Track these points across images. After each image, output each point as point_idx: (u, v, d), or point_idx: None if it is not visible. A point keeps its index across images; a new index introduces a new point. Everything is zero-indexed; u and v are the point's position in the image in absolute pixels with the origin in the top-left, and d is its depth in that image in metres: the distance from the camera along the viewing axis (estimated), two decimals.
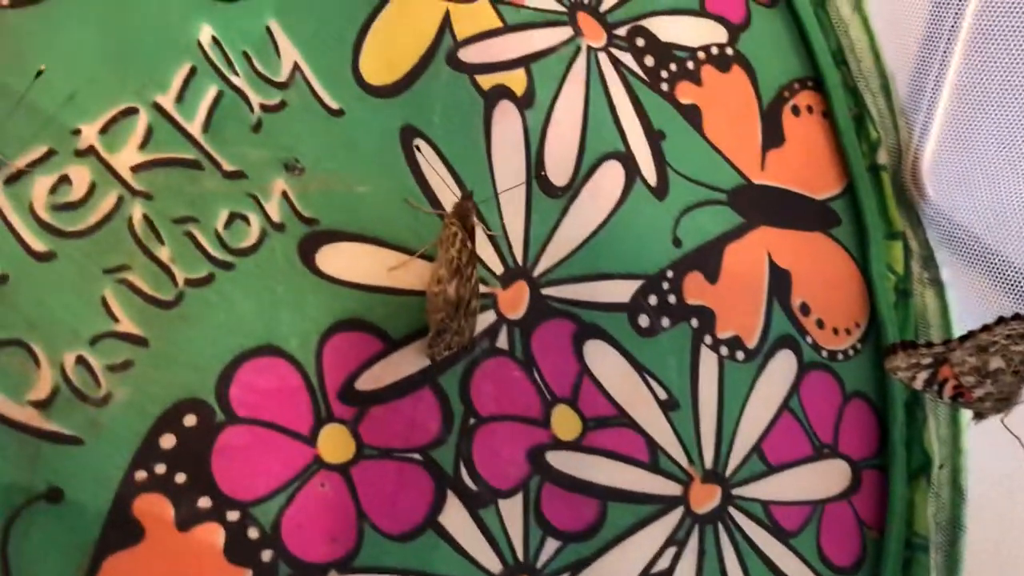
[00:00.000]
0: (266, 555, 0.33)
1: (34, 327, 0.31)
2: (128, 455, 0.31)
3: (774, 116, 0.48)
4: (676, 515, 0.41)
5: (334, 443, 0.34)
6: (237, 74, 0.36)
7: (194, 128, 0.35)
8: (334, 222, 0.36)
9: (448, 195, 0.38)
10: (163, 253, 0.33)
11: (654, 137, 0.44)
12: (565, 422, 0.39)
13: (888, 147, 0.49)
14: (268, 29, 0.37)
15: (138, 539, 0.31)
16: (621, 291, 0.41)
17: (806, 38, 0.50)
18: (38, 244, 0.32)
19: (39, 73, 0.32)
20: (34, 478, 0.30)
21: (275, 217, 0.35)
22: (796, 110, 0.49)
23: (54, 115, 0.33)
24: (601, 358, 0.40)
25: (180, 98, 0.35)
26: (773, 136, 0.48)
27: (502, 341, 0.38)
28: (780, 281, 0.46)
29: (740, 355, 0.44)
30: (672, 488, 0.41)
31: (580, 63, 0.43)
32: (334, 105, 0.37)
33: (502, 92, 0.41)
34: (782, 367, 0.45)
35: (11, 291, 0.31)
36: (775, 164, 0.47)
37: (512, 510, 0.37)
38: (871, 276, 0.48)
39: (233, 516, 0.32)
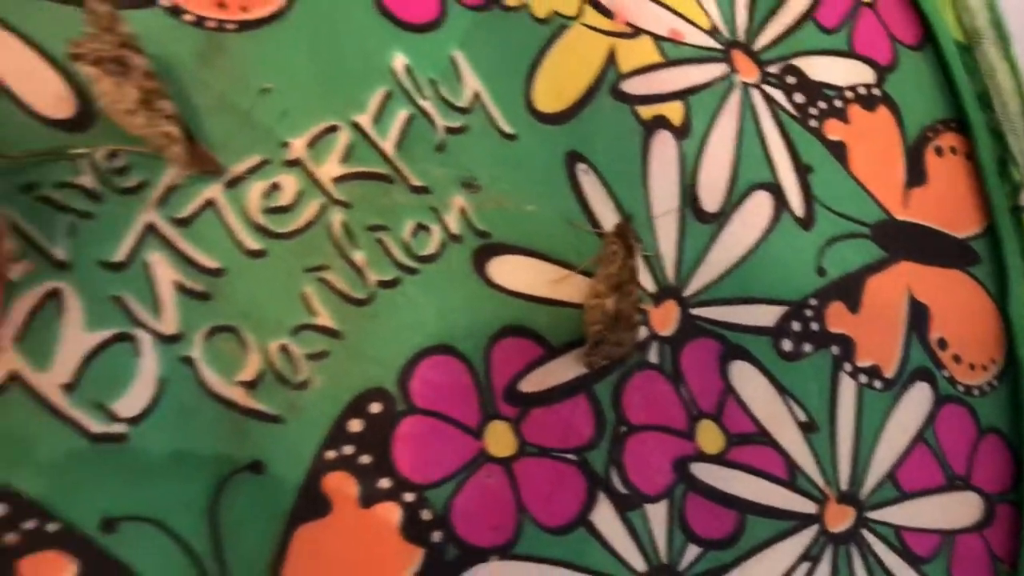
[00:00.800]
0: (436, 536, 0.36)
1: (245, 316, 0.35)
2: (321, 436, 0.35)
3: (918, 155, 0.50)
4: (811, 532, 0.42)
5: (499, 439, 0.37)
6: (426, 99, 0.39)
7: (387, 146, 0.38)
8: (504, 236, 0.39)
9: (607, 216, 0.41)
10: (357, 257, 0.37)
11: (802, 170, 0.46)
12: (709, 436, 0.41)
13: None
14: (453, 59, 0.40)
15: (326, 512, 0.34)
16: (766, 315, 0.43)
17: (951, 81, 0.51)
18: (251, 243, 0.36)
19: (265, 91, 0.36)
20: (240, 451, 0.34)
21: (454, 229, 0.39)
22: (939, 150, 0.51)
23: (269, 129, 0.37)
24: (745, 378, 0.42)
25: (377, 119, 0.38)
26: (916, 175, 0.49)
27: (652, 356, 0.41)
28: (919, 315, 0.47)
29: (878, 384, 0.45)
30: (808, 506, 0.42)
31: (734, 98, 0.46)
32: (509, 130, 0.41)
33: (660, 122, 0.43)
34: (918, 398, 0.46)
35: (227, 283, 0.35)
36: (917, 202, 0.49)
37: (658, 515, 0.39)
38: (1009, 315, 0.49)
39: (409, 497, 0.35)
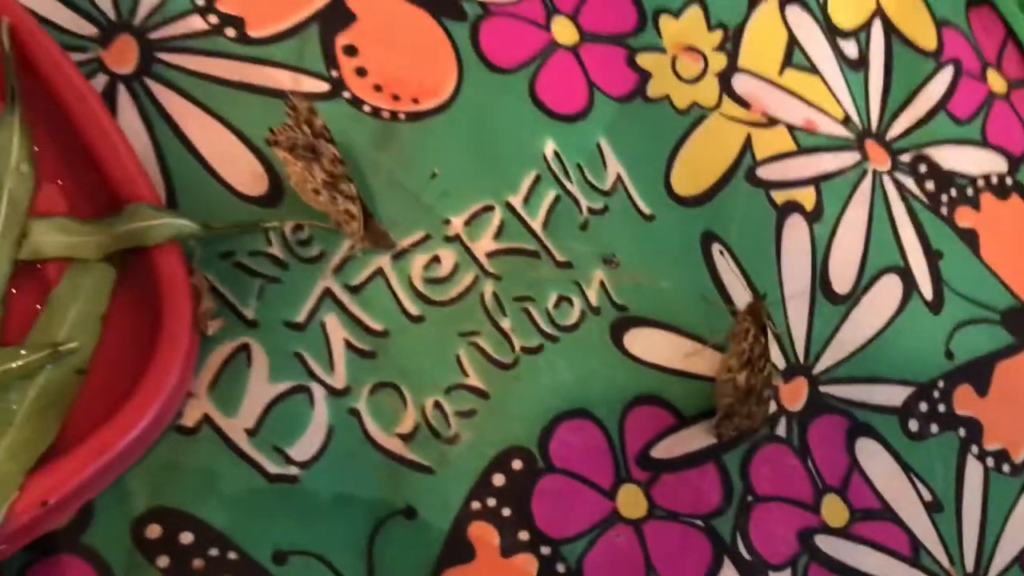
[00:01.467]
0: None
1: (405, 374, 0.39)
2: (467, 487, 0.38)
3: None
4: None
5: (630, 500, 0.40)
6: (572, 182, 0.43)
7: (536, 224, 0.42)
8: (641, 310, 0.42)
9: (740, 294, 0.44)
10: (505, 324, 0.40)
11: (932, 256, 0.47)
12: (834, 510, 0.42)
13: None
14: (598, 146, 0.44)
15: (470, 559, 0.37)
16: (894, 395, 0.45)
17: None
18: (413, 308, 0.39)
19: (433, 175, 0.40)
20: (395, 497, 0.37)
21: (593, 302, 0.42)
22: None
23: (431, 208, 0.41)
24: (871, 455, 0.44)
25: (527, 199, 0.42)
26: None
27: (781, 429, 0.43)
28: None
29: (1006, 468, 0.46)
30: None
31: (866, 184, 0.48)
32: (647, 211, 0.44)
33: (793, 206, 0.46)
34: None
35: (391, 344, 0.39)
36: None
37: None
38: None
39: (546, 550, 0.38)
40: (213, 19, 0.40)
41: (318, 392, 0.37)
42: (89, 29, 0.38)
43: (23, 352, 0.33)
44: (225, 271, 0.37)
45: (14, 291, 0.34)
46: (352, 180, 0.37)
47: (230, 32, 0.40)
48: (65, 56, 0.35)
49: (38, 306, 0.35)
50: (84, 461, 0.31)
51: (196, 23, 0.40)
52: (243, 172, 0.39)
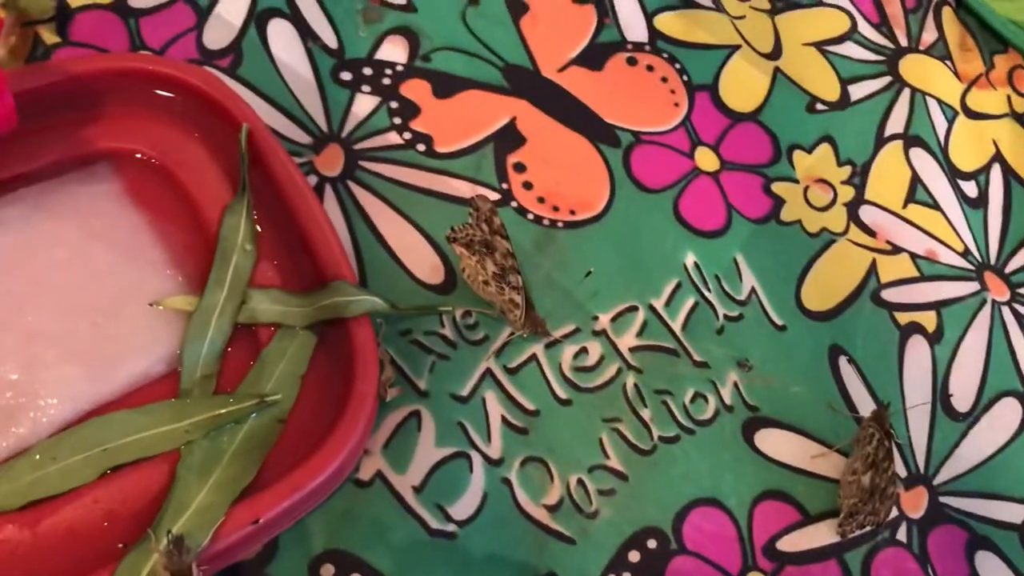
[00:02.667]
0: None
1: (552, 451, 0.43)
2: (605, 560, 0.41)
3: None
4: None
5: None
6: (710, 291, 0.47)
7: (676, 326, 0.46)
8: (771, 411, 0.46)
9: (864, 404, 0.47)
10: (645, 414, 0.44)
11: None
12: None
13: None
14: (735, 260, 0.49)
15: None
16: (1013, 512, 0.46)
17: None
18: (562, 393, 0.44)
19: (588, 273, 0.45)
20: (540, 562, 0.41)
21: (727, 400, 0.46)
22: None
23: (582, 304, 0.46)
24: (992, 569, 0.45)
25: (668, 303, 0.47)
26: None
27: (901, 535, 0.45)
28: None
29: None
30: None
31: (985, 312, 0.51)
32: (779, 322, 0.48)
33: (915, 328, 0.49)
34: None
35: (541, 422, 0.43)
36: None
37: None
38: None
39: None
40: (407, 135, 0.47)
41: (476, 459, 0.42)
42: (305, 138, 0.46)
43: (232, 400, 0.39)
44: (404, 347, 0.43)
45: (230, 349, 0.40)
46: (520, 272, 0.43)
47: (420, 147, 0.47)
48: (288, 157, 0.42)
49: (250, 363, 0.40)
50: (280, 496, 0.36)
51: (393, 138, 0.47)
52: (424, 263, 0.45)
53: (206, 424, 0.38)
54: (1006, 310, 0.51)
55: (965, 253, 0.52)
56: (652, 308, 0.46)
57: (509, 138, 0.48)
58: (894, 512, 0.45)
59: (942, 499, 0.46)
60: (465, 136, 0.48)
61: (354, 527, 0.39)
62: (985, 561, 0.45)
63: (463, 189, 0.46)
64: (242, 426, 0.39)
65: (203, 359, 0.40)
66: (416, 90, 0.48)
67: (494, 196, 0.47)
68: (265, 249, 0.42)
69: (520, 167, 0.48)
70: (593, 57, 0.51)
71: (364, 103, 0.47)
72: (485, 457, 0.42)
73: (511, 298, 0.42)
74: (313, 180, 0.45)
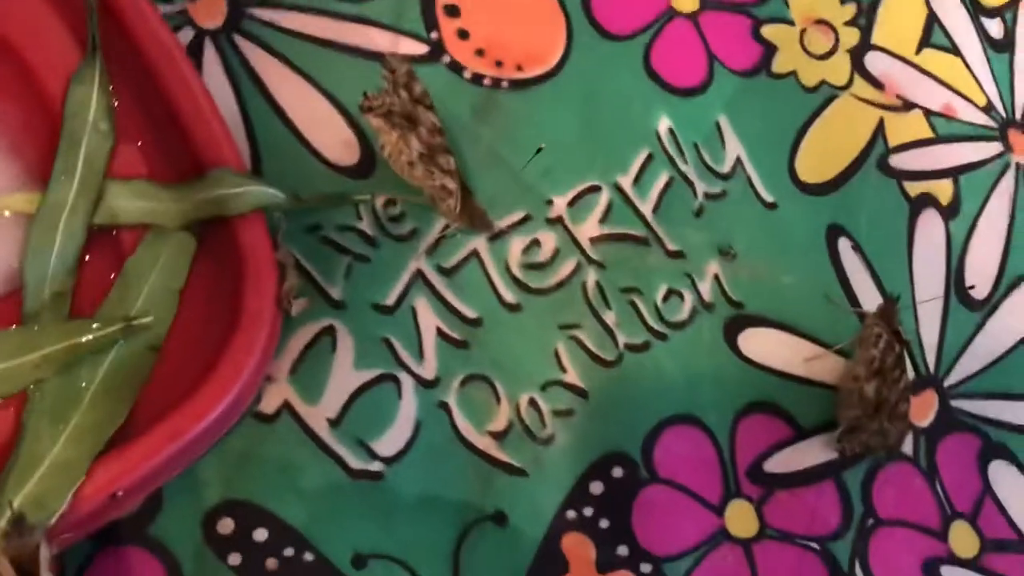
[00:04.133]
0: None
1: (499, 367, 0.35)
2: (562, 494, 0.35)
3: None
4: None
5: (740, 518, 0.36)
6: (687, 163, 0.39)
7: (646, 208, 0.38)
8: (758, 308, 0.38)
9: (867, 295, 0.39)
10: (609, 317, 0.37)
11: None
12: (963, 539, 0.38)
13: None
14: (717, 124, 0.40)
15: (563, 572, 0.34)
16: None
17: None
18: (509, 296, 0.36)
19: (539, 150, 0.36)
20: (485, 500, 0.34)
21: (706, 297, 0.38)
22: None
23: (533, 186, 0.37)
24: (1006, 480, 0.39)
25: (637, 180, 0.38)
26: None
27: (907, 447, 0.39)
28: None
29: None
30: None
31: (1008, 178, 0.43)
32: (769, 199, 0.40)
33: (928, 200, 0.41)
34: None
35: (484, 333, 0.36)
36: None
37: None
38: None
39: (646, 568, 0.35)
40: None
41: (406, 382, 0.34)
42: None
43: (95, 325, 0.31)
44: (311, 246, 0.35)
45: (87, 258, 0.32)
46: (452, 152, 0.34)
47: None
48: (151, 5, 0.32)
49: (112, 276, 0.32)
50: (155, 447, 0.29)
51: None
52: (334, 140, 0.36)
53: (59, 357, 0.30)
54: None
55: (988, 108, 0.44)
56: (618, 187, 0.38)
57: None
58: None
59: (954, 403, 0.39)
60: None
61: (257, 472, 0.32)
62: (1000, 472, 0.39)
63: (382, 41, 0.37)
64: (105, 357, 0.31)
65: (51, 274, 0.31)
66: None
67: (420, 49, 0.37)
68: (126, 129, 0.33)
69: (453, 10, 0.38)
70: None
71: None
72: (417, 378, 0.34)
73: (442, 184, 0.34)
74: (188, 35, 0.35)
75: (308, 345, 0.34)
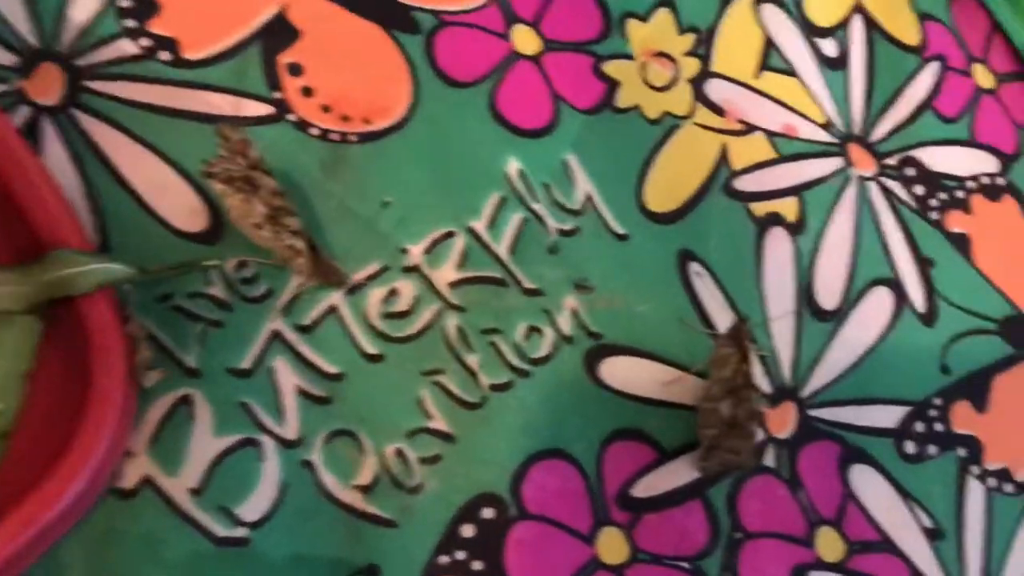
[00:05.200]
0: None
1: (363, 420, 0.36)
2: (434, 540, 0.35)
3: None
4: None
5: (611, 545, 0.37)
6: (538, 202, 0.40)
7: (502, 250, 0.39)
8: (616, 337, 0.40)
9: (721, 316, 0.41)
10: (472, 360, 0.37)
11: (923, 264, 0.45)
12: (829, 544, 0.40)
13: None
14: (566, 162, 0.41)
15: None
16: (888, 416, 0.42)
17: None
18: (370, 347, 0.37)
19: (386, 204, 0.37)
20: (356, 555, 0.34)
21: (566, 331, 0.39)
22: None
23: (387, 236, 0.38)
24: (866, 482, 0.41)
25: (491, 223, 0.39)
26: None
27: (770, 459, 0.40)
28: None
29: (1009, 488, 0.43)
30: None
31: (850, 191, 0.45)
32: (620, 231, 0.41)
33: (774, 219, 0.43)
34: None
35: (346, 387, 0.36)
36: None
37: None
38: None
39: None
40: (145, 42, 0.37)
41: (268, 445, 0.34)
42: (8, 58, 0.35)
43: None
44: (163, 316, 0.35)
45: None
46: (295, 213, 0.34)
47: (164, 56, 0.37)
48: None
49: None
50: (11, 535, 0.28)
51: (127, 47, 0.37)
52: (181, 207, 0.36)
53: None
54: (873, 186, 0.45)
55: (827, 125, 0.46)
56: (472, 231, 0.39)
57: (279, 33, 0.39)
58: (760, 435, 0.39)
59: (812, 413, 0.41)
60: (221, 35, 0.38)
61: (120, 550, 0.32)
62: (859, 474, 0.41)
63: (224, 105, 0.37)
64: None
65: None
66: None
67: (265, 109, 0.37)
68: None
69: (296, 69, 0.38)
70: None
71: (85, 4, 0.37)
72: (278, 440, 0.34)
73: (290, 244, 0.34)
74: (24, 113, 0.35)
75: (166, 416, 0.34)
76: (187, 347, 0.34)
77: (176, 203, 0.36)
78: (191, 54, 0.38)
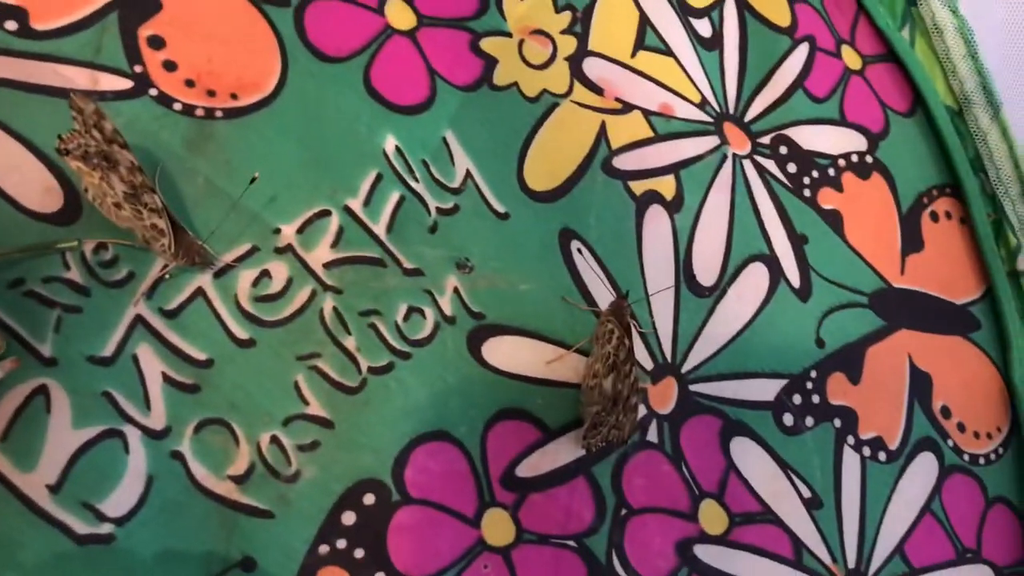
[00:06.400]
0: None
1: (235, 408, 0.34)
2: (313, 530, 0.34)
3: (913, 222, 0.50)
4: None
5: (496, 526, 0.36)
6: (417, 180, 0.39)
7: (379, 229, 0.38)
8: (499, 317, 0.39)
9: (602, 293, 0.41)
10: (349, 343, 0.36)
11: (797, 241, 0.46)
12: (712, 516, 0.40)
13: None
14: (444, 140, 0.40)
15: None
16: (766, 390, 0.43)
17: (944, 146, 0.51)
18: (241, 332, 0.35)
19: (253, 180, 0.36)
20: (230, 547, 0.33)
21: (447, 311, 0.38)
22: (935, 216, 0.50)
23: (258, 215, 0.36)
24: (747, 455, 0.42)
25: (367, 202, 0.38)
26: (912, 241, 0.49)
27: (652, 435, 0.40)
28: (921, 384, 0.46)
29: (882, 456, 0.45)
30: None
31: (726, 170, 0.46)
32: (501, 209, 0.40)
33: (653, 197, 0.43)
34: (923, 469, 0.45)
35: (216, 374, 0.34)
36: (915, 269, 0.48)
37: None
38: (1012, 381, 0.48)
39: None
40: None
41: (133, 436, 0.32)
42: None
43: None
44: (15, 302, 0.32)
45: None
46: (156, 191, 0.33)
47: (11, 25, 0.35)
48: None
49: None
50: None
51: None
52: (33, 187, 0.34)
53: None
54: (748, 164, 0.46)
55: (702, 104, 0.46)
56: (348, 210, 0.37)
57: (138, 3, 0.36)
58: (642, 411, 0.39)
59: (692, 388, 0.41)
60: (74, 5, 0.36)
61: None
62: (740, 447, 0.42)
63: (80, 79, 0.35)
64: None
65: None
66: None
67: (124, 84, 0.35)
68: None
69: (157, 42, 0.36)
70: None
71: None
72: (144, 430, 0.33)
73: (152, 223, 0.32)
74: None
75: (19, 408, 0.32)
76: (42, 335, 0.32)
77: (28, 182, 0.34)
78: (41, 24, 0.35)
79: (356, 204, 0.38)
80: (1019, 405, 0.48)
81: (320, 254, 0.37)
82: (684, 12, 0.48)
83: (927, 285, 0.48)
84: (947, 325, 0.48)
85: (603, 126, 0.43)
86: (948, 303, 0.49)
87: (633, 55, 0.46)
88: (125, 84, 0.36)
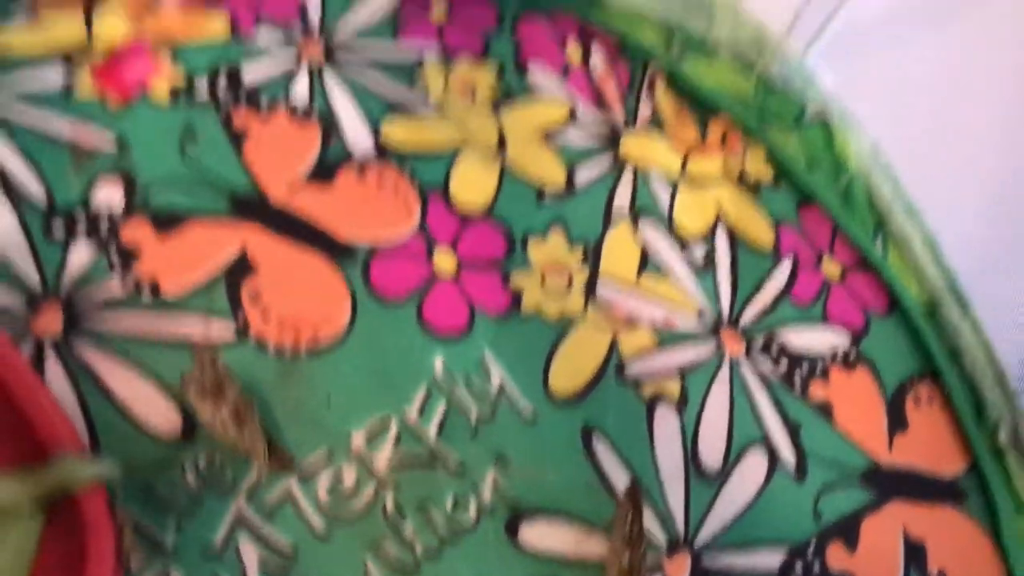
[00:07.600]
0: None
1: None
2: None
3: (898, 406, 0.57)
4: None
5: None
6: (460, 393, 0.48)
7: (430, 434, 0.47)
8: (532, 502, 0.47)
9: (622, 480, 0.48)
10: (407, 531, 0.44)
11: (791, 428, 0.53)
12: None
13: (1007, 430, 0.56)
14: (482, 359, 0.50)
15: None
16: (770, 561, 0.49)
17: (922, 340, 0.59)
18: (320, 527, 0.43)
19: (329, 400, 0.45)
20: None
21: (487, 500, 0.46)
22: (918, 400, 0.58)
23: (332, 428, 0.46)
24: None
25: (421, 412, 0.47)
26: (898, 423, 0.56)
27: None
28: (916, 551, 0.52)
29: None
30: None
31: (724, 371, 0.54)
32: (530, 413, 0.49)
33: (661, 398, 0.52)
34: None
35: (299, 562, 0.43)
36: (902, 447, 0.55)
37: None
38: (1004, 547, 0.54)
39: None
40: (131, 283, 0.46)
41: None
42: (17, 300, 0.44)
43: None
44: (145, 505, 0.41)
45: None
46: (255, 414, 0.42)
47: (146, 294, 0.46)
48: None
49: None
50: None
51: (115, 288, 0.45)
52: (159, 415, 0.43)
53: None
54: (743, 364, 0.54)
55: (700, 315, 0.55)
56: (405, 420, 0.47)
57: (240, 269, 0.47)
58: None
59: (705, 561, 0.48)
60: (193, 275, 0.47)
61: None
62: None
63: (197, 330, 0.45)
64: None
65: None
66: (136, 232, 0.47)
67: (229, 331, 0.46)
68: None
69: (255, 297, 0.47)
70: (321, 174, 0.52)
71: (81, 254, 0.46)
72: None
73: (252, 439, 0.42)
74: (31, 345, 0.43)
75: None
76: (165, 531, 0.41)
77: (156, 411, 0.43)
78: (169, 291, 0.46)
79: (411, 414, 0.47)
80: (1012, 570, 0.53)
81: (382, 457, 0.46)
82: (681, 242, 0.58)
83: (914, 461, 0.55)
84: (936, 497, 0.55)
85: (614, 340, 0.53)
86: (935, 477, 0.55)
87: (637, 279, 0.55)
88: (230, 331, 0.46)
